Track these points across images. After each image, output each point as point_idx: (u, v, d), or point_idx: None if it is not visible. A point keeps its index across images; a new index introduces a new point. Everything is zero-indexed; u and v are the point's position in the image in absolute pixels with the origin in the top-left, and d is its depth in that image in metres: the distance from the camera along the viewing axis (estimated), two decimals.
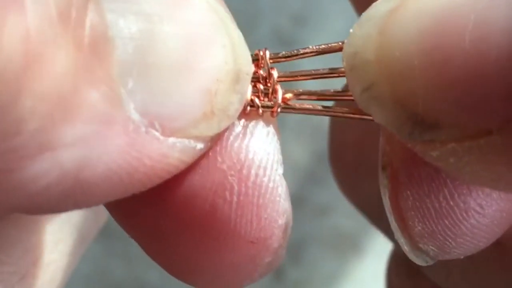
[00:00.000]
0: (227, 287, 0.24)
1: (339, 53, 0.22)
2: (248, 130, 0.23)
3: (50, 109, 0.17)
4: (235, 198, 0.22)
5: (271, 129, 0.23)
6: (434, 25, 0.19)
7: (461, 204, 0.23)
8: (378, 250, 0.75)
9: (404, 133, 0.20)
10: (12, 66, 0.16)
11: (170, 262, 0.23)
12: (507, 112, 0.18)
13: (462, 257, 0.25)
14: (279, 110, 0.23)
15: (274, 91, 0.24)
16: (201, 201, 0.22)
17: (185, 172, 0.21)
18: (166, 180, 0.21)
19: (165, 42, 0.19)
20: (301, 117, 0.81)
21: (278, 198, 0.22)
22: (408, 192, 0.23)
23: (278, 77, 0.24)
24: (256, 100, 0.23)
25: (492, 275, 0.30)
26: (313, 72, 0.24)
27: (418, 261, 0.25)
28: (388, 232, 0.35)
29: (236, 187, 0.22)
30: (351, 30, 0.22)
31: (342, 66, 0.22)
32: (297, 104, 0.24)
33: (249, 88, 0.23)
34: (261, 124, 0.23)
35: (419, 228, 0.23)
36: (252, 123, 0.23)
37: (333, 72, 0.24)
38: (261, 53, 0.24)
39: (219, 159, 0.22)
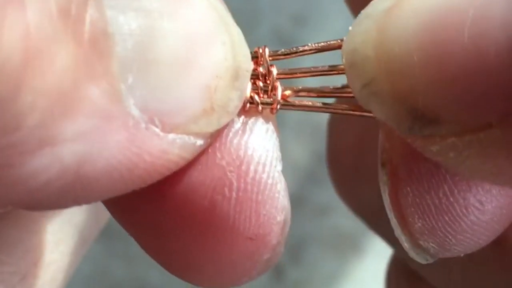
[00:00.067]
0: (225, 284, 0.24)
1: (339, 52, 0.23)
2: (247, 127, 0.23)
3: (50, 104, 0.17)
4: (234, 194, 0.22)
5: (270, 126, 0.23)
6: (433, 21, 0.19)
7: (461, 200, 0.23)
8: (378, 250, 0.75)
9: (404, 128, 0.20)
10: (12, 62, 0.17)
11: (169, 259, 0.23)
12: (506, 106, 0.18)
13: (462, 254, 0.25)
14: (278, 107, 0.23)
15: (274, 88, 0.24)
16: (200, 197, 0.22)
17: (184, 168, 0.21)
18: (166, 176, 0.21)
19: (165, 38, 0.19)
20: (301, 117, 0.81)
21: (277, 195, 0.22)
22: (408, 188, 0.23)
23: (278, 74, 0.24)
24: (256, 97, 0.23)
25: (493, 276, 0.30)
26: (312, 69, 0.24)
27: (419, 258, 0.25)
28: (386, 237, 0.36)
29: (235, 183, 0.22)
30: (350, 28, 0.22)
31: (341, 63, 0.22)
32: (296, 101, 0.24)
33: (249, 85, 0.23)
34: (260, 121, 0.23)
35: (419, 224, 0.23)
36: (252, 120, 0.23)
37: (332, 70, 0.24)
38: (261, 50, 0.24)
39: (218, 155, 0.22)
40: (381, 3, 0.21)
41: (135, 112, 0.19)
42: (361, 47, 0.21)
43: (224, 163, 0.22)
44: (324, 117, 0.39)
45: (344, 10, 0.35)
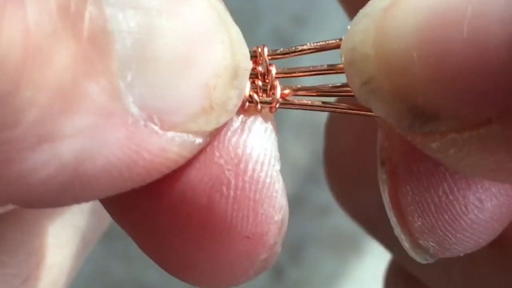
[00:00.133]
0: (223, 284, 0.24)
1: (338, 52, 0.23)
2: (246, 126, 0.23)
3: (49, 100, 0.17)
4: (231, 193, 0.22)
5: (269, 125, 0.23)
6: (432, 18, 0.19)
7: (461, 199, 0.23)
8: (378, 250, 0.74)
9: (404, 126, 0.20)
10: (12, 58, 0.17)
11: (166, 259, 0.23)
12: (506, 101, 0.18)
13: (462, 254, 0.24)
14: (277, 105, 0.23)
15: (273, 87, 0.24)
16: (197, 195, 0.22)
17: (182, 166, 0.21)
18: (164, 175, 0.21)
19: (164, 36, 0.19)
20: (301, 117, 0.81)
21: (275, 194, 0.22)
22: (408, 187, 0.23)
23: (277, 73, 0.24)
24: (255, 96, 0.23)
25: (494, 277, 0.30)
26: (311, 68, 0.24)
27: (418, 258, 0.25)
28: (384, 241, 0.36)
29: (233, 182, 0.22)
30: (348, 27, 0.22)
31: (340, 63, 0.22)
32: (295, 100, 0.24)
33: (248, 84, 0.23)
34: (259, 120, 0.23)
35: (419, 223, 0.23)
36: (251, 119, 0.23)
37: (331, 69, 0.24)
38: (259, 50, 0.24)
39: (217, 153, 0.22)
40: (379, 2, 0.21)
41: (134, 109, 0.19)
42: (360, 45, 0.21)
43: (222, 161, 0.22)
44: (324, 117, 0.39)
45: None
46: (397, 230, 0.24)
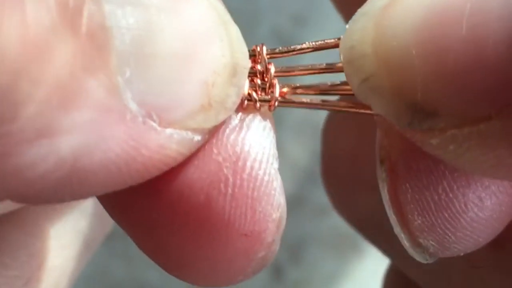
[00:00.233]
0: (221, 283, 0.24)
1: (337, 52, 0.23)
2: (244, 124, 0.23)
3: (47, 95, 0.18)
4: (229, 190, 0.22)
5: (268, 123, 0.23)
6: (431, 15, 0.19)
7: (460, 197, 0.23)
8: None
9: (403, 123, 0.20)
10: (10, 52, 0.17)
11: (165, 257, 0.23)
12: (505, 97, 0.18)
13: (462, 253, 0.24)
14: (276, 104, 0.23)
15: (271, 86, 0.24)
16: (195, 192, 0.22)
17: (181, 163, 0.21)
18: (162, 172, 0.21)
19: (163, 33, 0.19)
20: (301, 117, 0.81)
21: (273, 192, 0.22)
22: (407, 184, 0.23)
23: (275, 72, 0.24)
24: (254, 94, 0.23)
25: (494, 280, 0.30)
26: (310, 67, 0.24)
27: (418, 257, 0.25)
28: (382, 247, 0.36)
29: (231, 179, 0.22)
30: (347, 26, 0.22)
31: (339, 61, 0.22)
32: (294, 98, 0.24)
33: (247, 83, 0.23)
34: (258, 118, 0.23)
35: (419, 221, 0.23)
36: (249, 117, 0.23)
37: (330, 68, 0.24)
38: (258, 48, 0.24)
39: (215, 151, 0.22)
40: (378, 1, 0.21)
41: (132, 106, 0.19)
42: (359, 43, 0.21)
43: (220, 158, 0.22)
44: (324, 117, 0.39)
45: None
46: (397, 229, 0.24)
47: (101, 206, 0.24)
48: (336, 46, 0.23)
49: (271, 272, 0.77)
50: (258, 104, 0.23)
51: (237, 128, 0.22)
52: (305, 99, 0.24)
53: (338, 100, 0.25)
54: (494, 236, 0.24)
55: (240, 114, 0.23)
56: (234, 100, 0.22)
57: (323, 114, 0.39)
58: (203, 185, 0.22)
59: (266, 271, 0.77)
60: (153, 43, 0.19)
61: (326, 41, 0.24)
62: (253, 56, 0.24)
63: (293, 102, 0.24)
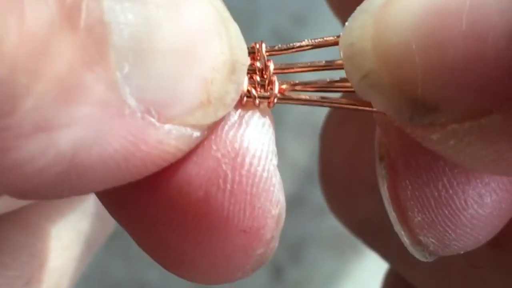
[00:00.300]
0: (220, 280, 0.24)
1: (337, 50, 0.23)
2: (243, 120, 0.23)
3: (45, 89, 0.18)
4: (228, 186, 0.22)
5: (267, 120, 0.23)
6: (431, 10, 0.19)
7: (460, 193, 0.23)
8: None
9: (404, 118, 0.20)
10: (8, 45, 0.17)
11: (163, 254, 0.23)
12: (506, 91, 0.18)
13: (462, 251, 0.24)
14: (275, 100, 0.23)
15: (271, 83, 0.24)
16: (194, 188, 0.22)
17: (179, 159, 0.21)
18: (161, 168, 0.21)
19: (162, 29, 0.19)
20: (301, 117, 0.81)
21: (272, 188, 0.22)
22: (407, 181, 0.23)
23: (274, 69, 0.24)
24: (253, 91, 0.23)
25: (495, 280, 0.30)
26: (309, 64, 0.24)
27: (418, 255, 0.25)
28: (380, 252, 0.36)
29: (230, 175, 0.22)
30: (346, 24, 0.22)
31: (338, 58, 0.22)
32: (293, 95, 0.24)
33: (246, 80, 0.23)
34: (257, 115, 0.23)
35: (419, 218, 0.23)
36: (248, 113, 0.23)
37: (329, 65, 0.24)
38: (257, 46, 0.24)
39: (214, 147, 0.22)
40: None
41: (131, 101, 0.19)
42: (358, 40, 0.21)
43: (219, 155, 0.22)
44: (324, 117, 0.39)
45: None
46: (397, 227, 0.24)
47: (102, 207, 0.24)
48: (335, 43, 0.23)
49: (271, 272, 0.77)
50: (257, 101, 0.23)
51: (236, 125, 0.22)
52: (304, 96, 0.24)
53: (338, 97, 0.25)
54: (494, 234, 0.24)
55: (239, 110, 0.23)
56: (233, 97, 0.22)
57: (323, 114, 0.39)
58: (202, 181, 0.22)
59: (266, 271, 0.77)
60: (151, 39, 0.19)
61: (325, 38, 0.24)
62: (252, 53, 0.24)
63: (292, 99, 0.24)
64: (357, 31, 0.21)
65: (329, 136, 0.38)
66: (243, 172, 0.22)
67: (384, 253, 0.35)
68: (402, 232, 0.24)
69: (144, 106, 0.19)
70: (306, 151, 0.82)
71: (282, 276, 0.79)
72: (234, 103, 0.22)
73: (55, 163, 0.18)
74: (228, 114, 0.22)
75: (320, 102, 0.24)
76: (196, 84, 0.20)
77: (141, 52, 0.19)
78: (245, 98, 0.23)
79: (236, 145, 0.22)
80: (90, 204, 0.35)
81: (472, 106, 0.19)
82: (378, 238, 0.34)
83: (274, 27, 0.86)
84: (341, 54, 0.22)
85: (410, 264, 0.32)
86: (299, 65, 0.24)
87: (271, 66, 0.24)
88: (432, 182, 0.23)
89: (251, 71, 0.24)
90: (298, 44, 0.25)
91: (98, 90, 0.18)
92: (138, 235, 0.23)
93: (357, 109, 0.23)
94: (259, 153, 0.22)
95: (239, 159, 0.22)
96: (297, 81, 0.24)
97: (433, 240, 0.24)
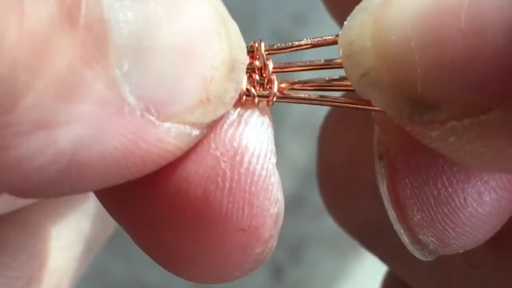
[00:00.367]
0: (219, 279, 0.24)
1: (336, 49, 0.23)
2: (243, 119, 0.23)
3: (46, 86, 0.18)
4: (227, 185, 0.22)
5: (266, 119, 0.23)
6: (430, 8, 0.19)
7: (460, 191, 0.23)
8: None
9: (404, 116, 0.20)
10: (8, 42, 0.17)
11: (162, 252, 0.23)
12: (506, 87, 0.18)
13: (461, 250, 0.24)
14: (274, 99, 0.23)
15: (270, 81, 0.24)
16: (193, 187, 0.22)
17: (178, 158, 0.21)
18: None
19: (161, 27, 0.20)
20: (301, 117, 0.81)
21: (270, 187, 0.22)
22: (406, 180, 0.23)
23: (274, 68, 0.24)
24: (252, 90, 0.23)
25: (495, 279, 0.30)
26: (308, 63, 0.24)
27: (418, 254, 0.25)
28: (378, 254, 0.36)
29: (228, 174, 0.22)
30: (345, 22, 0.22)
31: (337, 57, 0.23)
32: (292, 94, 0.24)
33: (245, 78, 0.23)
34: (256, 113, 0.23)
35: (418, 217, 0.23)
36: (248, 112, 0.23)
37: (328, 64, 0.24)
38: (256, 45, 0.24)
39: (213, 145, 0.22)
40: None
41: (130, 99, 0.19)
42: (358, 38, 0.21)
43: (218, 153, 0.22)
44: (323, 117, 0.39)
45: None
46: (396, 225, 0.24)
47: (103, 208, 0.24)
48: (334, 43, 0.23)
49: (271, 272, 0.77)
50: (256, 100, 0.23)
51: (235, 123, 0.22)
52: (303, 94, 0.24)
53: (337, 96, 0.25)
54: (493, 233, 0.24)
55: (238, 109, 0.23)
56: (232, 95, 0.22)
57: (322, 114, 0.39)
58: (200, 179, 0.22)
59: (266, 271, 0.77)
60: (151, 37, 0.19)
61: (324, 37, 0.24)
62: (252, 52, 0.24)
63: (291, 98, 0.24)
64: (356, 30, 0.21)
65: (328, 136, 0.38)
66: (242, 171, 0.22)
67: (383, 255, 0.35)
68: (402, 231, 0.24)
69: (143, 104, 0.19)
70: (306, 151, 0.82)
71: (282, 276, 0.79)
72: (233, 101, 0.22)
73: (55, 161, 0.18)
74: (227, 112, 0.22)
75: (319, 101, 0.24)
76: (195, 82, 0.20)
77: (141, 50, 0.19)
78: (244, 97, 0.23)
79: (235, 144, 0.22)
80: (90, 205, 0.35)
81: (472, 103, 0.19)
82: (378, 239, 0.34)
83: (274, 26, 0.86)
84: (340, 53, 0.22)
85: (409, 265, 0.32)
86: (298, 64, 0.25)
87: (270, 65, 0.24)
88: (431, 180, 0.23)
89: (250, 69, 0.24)
90: (297, 43, 0.25)
91: (97, 88, 0.18)
92: (137, 234, 0.23)
93: (356, 108, 0.23)
94: (258, 151, 0.22)
95: (238, 158, 0.22)
96: (296, 80, 0.24)
97: (432, 239, 0.24)
